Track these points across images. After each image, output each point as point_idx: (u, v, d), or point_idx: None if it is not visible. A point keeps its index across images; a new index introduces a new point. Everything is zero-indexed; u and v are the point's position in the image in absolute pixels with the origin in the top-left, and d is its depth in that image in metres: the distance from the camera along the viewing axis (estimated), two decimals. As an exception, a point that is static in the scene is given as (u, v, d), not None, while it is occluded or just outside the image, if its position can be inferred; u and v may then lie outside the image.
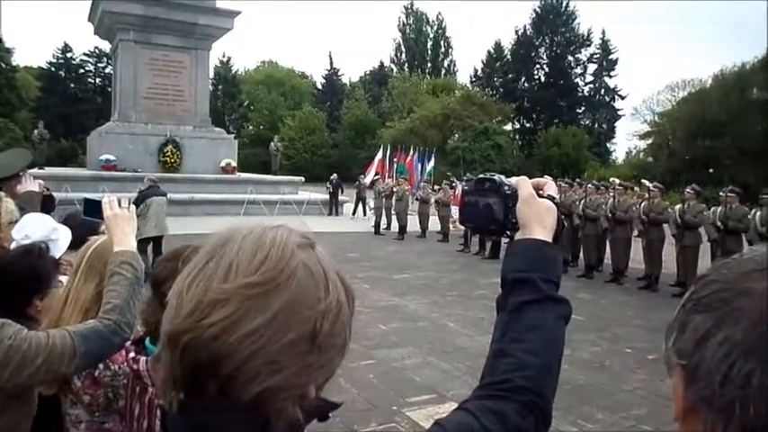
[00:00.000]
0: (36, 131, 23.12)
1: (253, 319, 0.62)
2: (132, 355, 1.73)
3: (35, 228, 2.37)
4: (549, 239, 0.95)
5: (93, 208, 2.10)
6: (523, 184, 0.99)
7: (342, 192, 23.27)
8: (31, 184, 3.39)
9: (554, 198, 1.00)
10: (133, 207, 1.94)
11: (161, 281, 1.61)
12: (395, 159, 24.03)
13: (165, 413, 0.68)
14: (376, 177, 21.12)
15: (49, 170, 19.96)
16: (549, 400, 0.85)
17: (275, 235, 0.68)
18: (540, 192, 1.00)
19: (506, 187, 1.00)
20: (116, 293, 1.71)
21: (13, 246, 2.30)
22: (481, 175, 1.05)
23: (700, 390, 0.54)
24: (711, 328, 0.54)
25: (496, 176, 1.03)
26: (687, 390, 0.55)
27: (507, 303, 0.91)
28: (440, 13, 65.06)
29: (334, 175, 23.40)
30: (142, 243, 10.49)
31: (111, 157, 20.21)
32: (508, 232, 1.00)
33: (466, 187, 1.06)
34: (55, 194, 5.17)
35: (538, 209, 0.96)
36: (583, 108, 54.66)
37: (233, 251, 0.66)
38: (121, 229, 1.85)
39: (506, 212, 0.99)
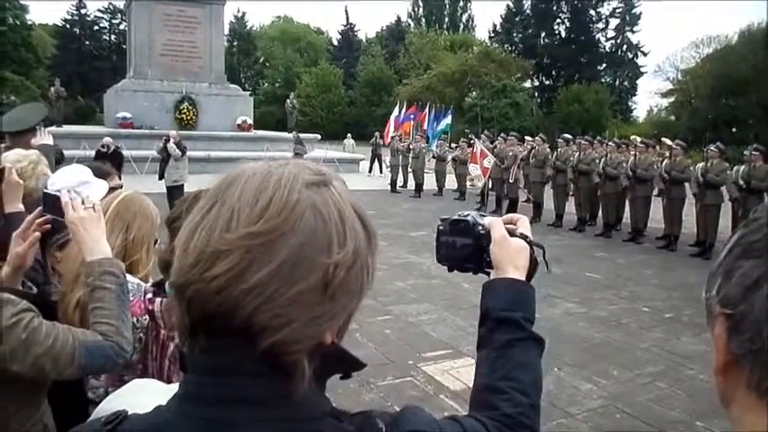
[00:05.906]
0: (53, 89, 23.02)
1: (256, 272, 0.59)
2: (150, 296, 1.74)
3: (62, 176, 2.31)
4: (523, 278, 1.00)
5: (52, 203, 1.68)
6: (496, 226, 1.03)
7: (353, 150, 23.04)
8: (45, 137, 3.38)
9: (527, 237, 1.03)
10: (99, 205, 1.69)
11: (172, 219, 1.60)
12: (411, 116, 23.70)
13: (182, 354, 0.67)
14: (393, 135, 20.89)
15: (66, 128, 20.09)
16: None
17: (281, 175, 0.64)
18: (513, 228, 1.04)
19: (480, 227, 1.04)
20: (108, 312, 1.55)
21: None
22: (455, 217, 1.08)
23: (745, 342, 0.49)
24: (763, 276, 0.48)
25: (470, 217, 1.06)
26: (731, 341, 0.50)
27: (493, 341, 0.96)
28: (458, -34, 63.45)
29: (348, 135, 23.26)
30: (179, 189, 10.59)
31: (128, 115, 20.28)
32: (486, 270, 1.04)
33: (441, 227, 1.10)
34: (73, 152, 5.24)
35: (509, 250, 1.00)
36: (604, 65, 53.29)
37: (235, 196, 0.62)
38: (90, 234, 1.60)
39: (481, 252, 1.04)
